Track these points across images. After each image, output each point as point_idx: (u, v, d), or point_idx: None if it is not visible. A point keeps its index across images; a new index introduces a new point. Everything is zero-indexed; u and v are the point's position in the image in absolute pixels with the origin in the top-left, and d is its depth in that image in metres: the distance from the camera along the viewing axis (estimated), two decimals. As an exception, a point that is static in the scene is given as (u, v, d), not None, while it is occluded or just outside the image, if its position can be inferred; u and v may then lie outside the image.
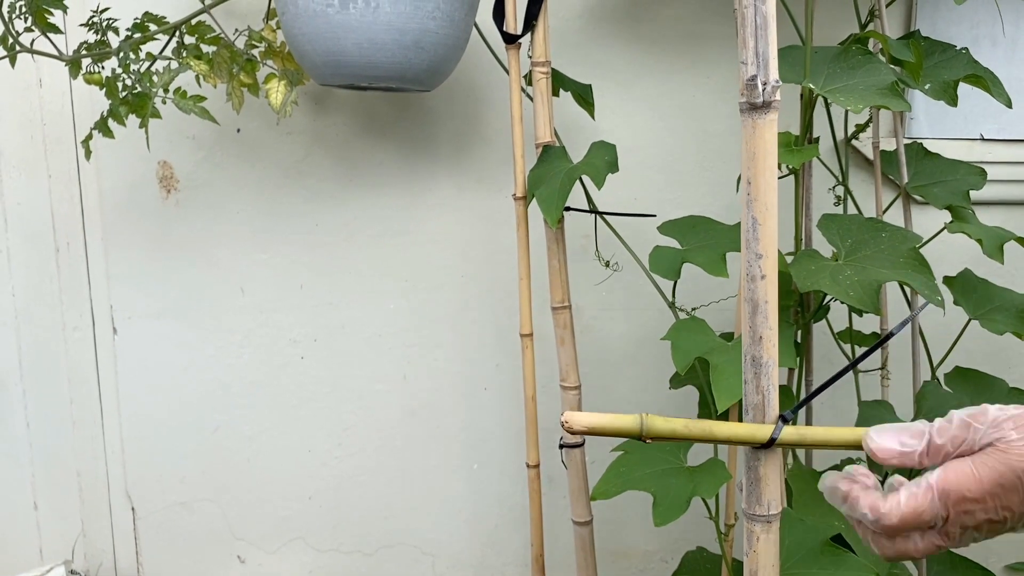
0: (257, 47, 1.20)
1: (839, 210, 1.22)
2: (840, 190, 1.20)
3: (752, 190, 0.47)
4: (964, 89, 1.46)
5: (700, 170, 1.43)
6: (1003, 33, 1.41)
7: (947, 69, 1.14)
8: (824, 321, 1.20)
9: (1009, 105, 1.11)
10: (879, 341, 0.60)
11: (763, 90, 0.46)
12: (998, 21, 1.40)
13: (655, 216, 1.14)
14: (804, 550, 1.00)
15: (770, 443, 0.52)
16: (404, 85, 1.16)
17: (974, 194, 1.43)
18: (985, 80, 1.11)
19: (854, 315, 1.25)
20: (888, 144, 1.42)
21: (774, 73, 0.46)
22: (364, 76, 1.12)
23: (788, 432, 0.52)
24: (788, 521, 1.02)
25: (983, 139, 1.43)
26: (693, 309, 1.08)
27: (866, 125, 1.19)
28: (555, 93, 1.28)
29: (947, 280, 1.20)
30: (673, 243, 1.11)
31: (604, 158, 1.13)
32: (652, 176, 1.44)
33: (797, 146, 1.02)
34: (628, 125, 1.42)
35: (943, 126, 1.43)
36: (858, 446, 0.53)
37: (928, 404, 1.10)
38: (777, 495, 0.55)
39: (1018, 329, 1.13)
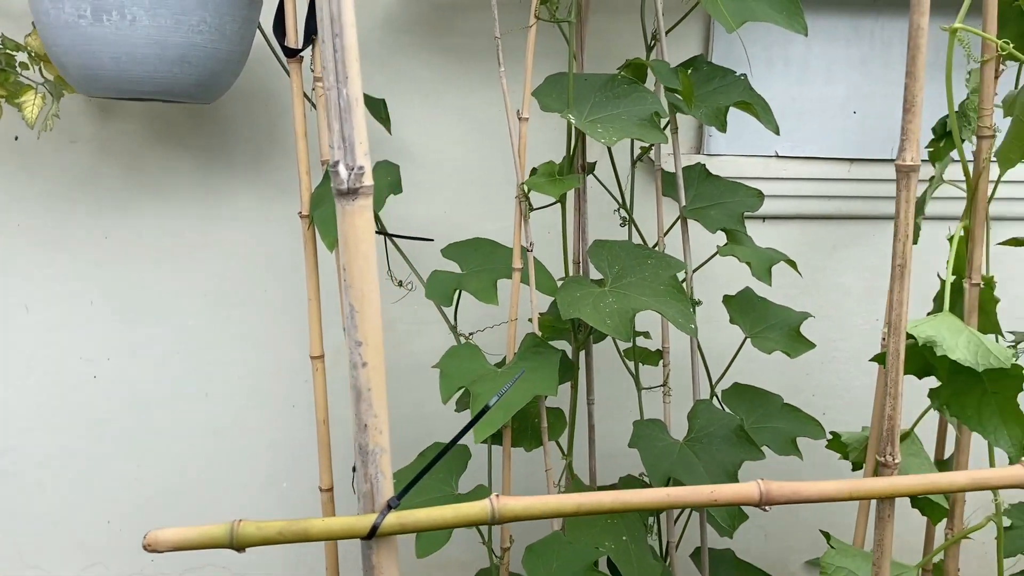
0: (13, 55, 1.12)
1: (625, 233, 1.23)
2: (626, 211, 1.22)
3: (348, 277, 0.46)
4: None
5: (507, 185, 1.42)
6: (775, 57, 1.46)
7: (724, 95, 1.16)
8: (611, 340, 1.22)
9: (776, 132, 1.15)
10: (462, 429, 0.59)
11: (348, 176, 0.44)
12: (791, 42, 1.45)
13: (433, 240, 1.13)
14: (568, 574, 1.01)
15: (372, 534, 0.51)
16: (174, 99, 1.11)
17: (771, 209, 1.49)
18: (755, 107, 1.14)
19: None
20: (689, 161, 1.45)
21: (361, 159, 0.44)
22: (125, 90, 1.06)
23: (390, 520, 0.51)
24: (557, 544, 1.04)
25: (778, 156, 1.48)
26: (470, 334, 1.08)
27: (650, 148, 1.21)
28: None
29: (726, 299, 1.24)
30: (455, 267, 1.11)
31: (387, 179, 1.11)
32: (463, 190, 1.43)
33: (562, 175, 1.02)
34: (435, 138, 1.40)
35: (740, 143, 1.47)
36: (470, 523, 0.53)
37: (699, 422, 1.14)
38: (394, 582, 0.55)
39: (787, 348, 1.18)
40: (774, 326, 1.21)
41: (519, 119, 1.00)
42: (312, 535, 0.52)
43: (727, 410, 1.20)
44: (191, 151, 1.36)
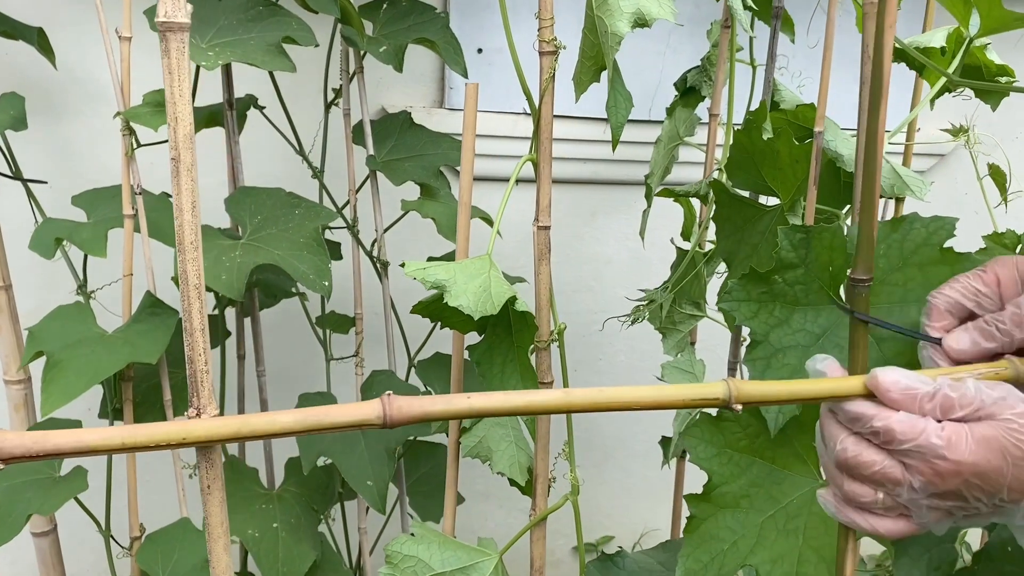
0: None
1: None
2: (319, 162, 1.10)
3: None
4: (505, 63, 1.40)
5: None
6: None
7: (415, 33, 1.04)
8: (301, 304, 1.10)
9: (465, 75, 1.04)
10: None
11: None
12: (538, -10, 1.34)
13: (47, 183, 0.98)
14: (189, 566, 0.89)
15: None
16: None
17: (521, 172, 1.38)
18: (439, 46, 1.02)
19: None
20: (429, 116, 1.34)
21: None
22: None
23: None
24: (182, 532, 0.91)
25: (527, 113, 1.37)
26: (91, 292, 0.94)
27: (339, 92, 1.08)
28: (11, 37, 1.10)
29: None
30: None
31: (9, 112, 0.96)
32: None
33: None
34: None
35: (489, 99, 1.36)
36: None
37: (374, 394, 1.02)
38: None
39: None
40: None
41: (120, 38, 0.86)
42: None
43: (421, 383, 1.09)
44: None
